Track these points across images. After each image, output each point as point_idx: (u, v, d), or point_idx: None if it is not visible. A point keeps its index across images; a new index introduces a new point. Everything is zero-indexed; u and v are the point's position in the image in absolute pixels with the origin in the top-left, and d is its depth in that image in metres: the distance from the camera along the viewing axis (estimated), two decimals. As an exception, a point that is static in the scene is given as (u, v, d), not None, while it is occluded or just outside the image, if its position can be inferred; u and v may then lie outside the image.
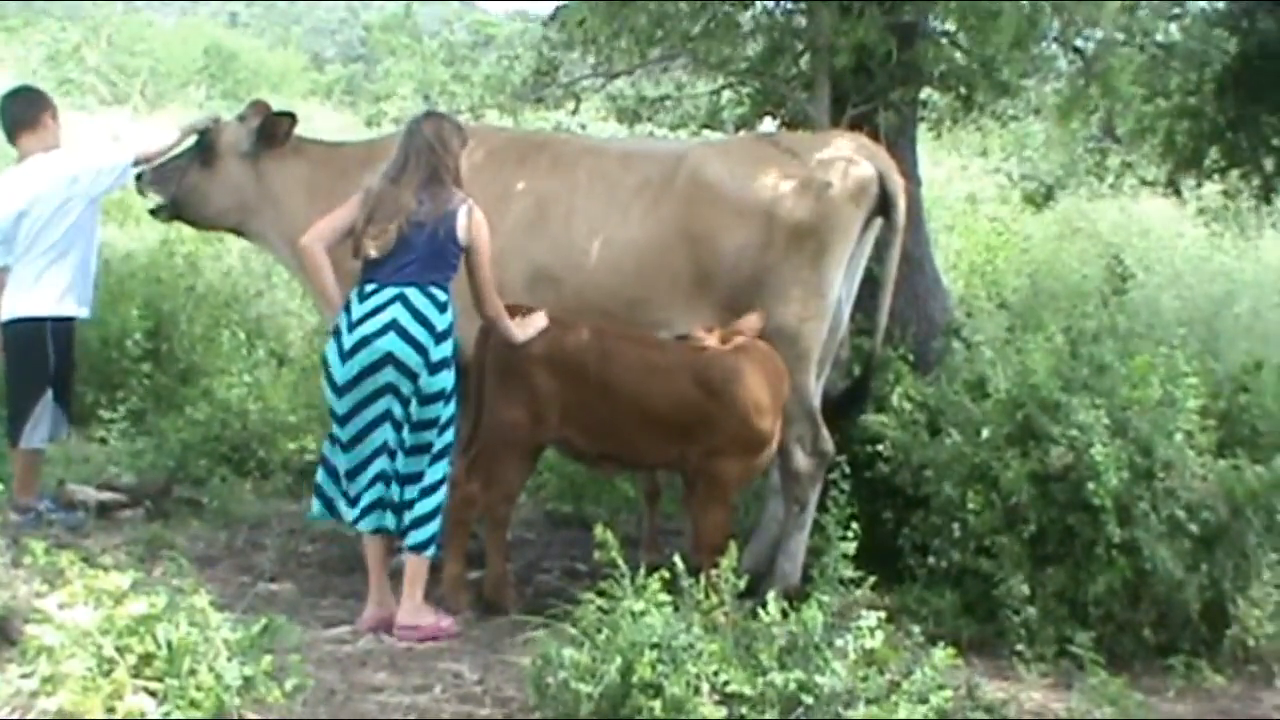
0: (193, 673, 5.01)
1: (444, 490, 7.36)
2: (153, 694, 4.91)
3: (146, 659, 5.00)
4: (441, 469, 7.37)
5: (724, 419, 7.51)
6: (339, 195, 8.35)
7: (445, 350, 7.29)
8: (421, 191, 7.31)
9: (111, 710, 4.81)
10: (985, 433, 7.71)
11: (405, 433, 7.30)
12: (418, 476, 7.32)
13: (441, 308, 7.29)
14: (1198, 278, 13.82)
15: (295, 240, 8.25)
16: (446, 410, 7.35)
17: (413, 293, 7.25)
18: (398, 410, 7.29)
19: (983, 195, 18.60)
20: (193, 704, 4.94)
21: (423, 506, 7.31)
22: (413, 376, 7.23)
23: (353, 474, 7.39)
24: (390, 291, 7.26)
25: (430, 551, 7.34)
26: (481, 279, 7.39)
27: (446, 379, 7.32)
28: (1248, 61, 14.20)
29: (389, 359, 7.21)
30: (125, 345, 10.82)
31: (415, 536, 7.32)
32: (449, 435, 7.39)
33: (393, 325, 7.21)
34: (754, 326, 7.74)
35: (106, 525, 9.06)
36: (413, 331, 7.21)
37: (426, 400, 7.28)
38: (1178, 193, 15.01)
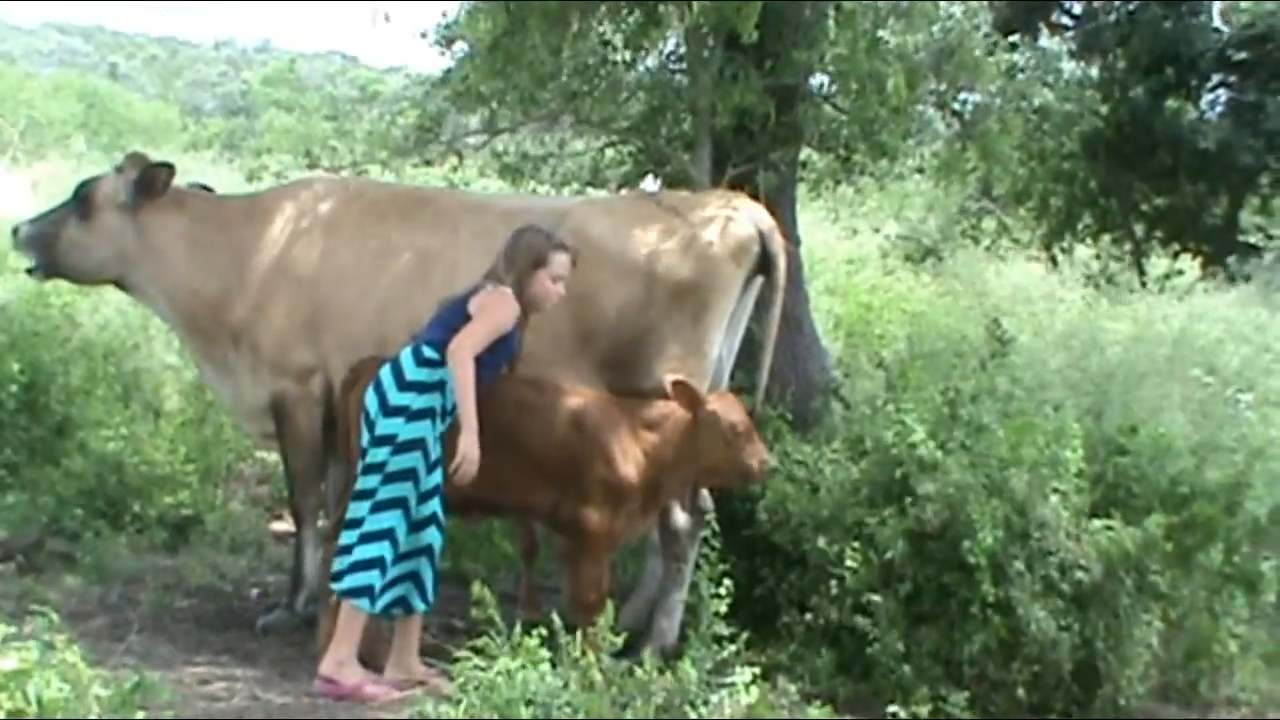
0: (64, 729, 4.95)
1: (384, 544, 7.04)
2: (22, 750, 4.85)
3: (16, 715, 4.92)
4: (385, 520, 7.06)
5: (590, 464, 7.44)
6: (220, 248, 8.35)
7: (407, 399, 7.09)
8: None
9: (-21, 766, 4.74)
10: (862, 491, 7.78)
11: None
12: (358, 523, 7.10)
13: (422, 361, 7.15)
14: (1082, 341, 14.03)
15: (173, 292, 8.22)
16: (396, 460, 7.08)
17: (405, 350, 7.26)
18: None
19: (865, 258, 18.75)
20: (63, 761, 4.88)
21: (360, 553, 7.05)
22: (370, 422, 7.13)
23: None
24: None
25: (362, 602, 7.04)
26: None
27: (400, 427, 7.08)
28: (1120, 128, 14.47)
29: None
30: (0, 397, 10.66)
31: (347, 582, 7.06)
32: (397, 488, 7.09)
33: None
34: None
35: (-24, 579, 8.92)
36: (381, 377, 7.17)
37: (376, 442, 7.09)
38: (1052, 256, 15.26)
